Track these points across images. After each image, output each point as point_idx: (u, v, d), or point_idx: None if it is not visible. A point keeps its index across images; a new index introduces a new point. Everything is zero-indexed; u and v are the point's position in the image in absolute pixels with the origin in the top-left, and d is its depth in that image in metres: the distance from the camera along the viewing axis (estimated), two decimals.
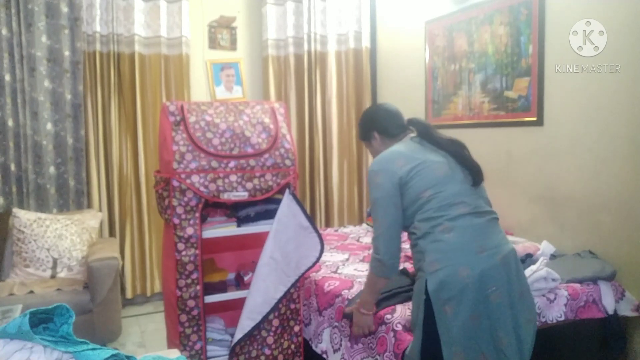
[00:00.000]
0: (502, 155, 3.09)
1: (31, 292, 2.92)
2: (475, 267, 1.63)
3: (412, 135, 1.91)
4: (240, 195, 2.30)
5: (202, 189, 2.23)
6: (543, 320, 2.18)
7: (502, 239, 1.76)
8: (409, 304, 2.09)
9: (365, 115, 2.05)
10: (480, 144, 3.03)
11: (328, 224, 4.29)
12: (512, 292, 1.70)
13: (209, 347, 2.35)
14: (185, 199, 2.22)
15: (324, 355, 2.36)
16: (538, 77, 2.82)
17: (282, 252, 2.33)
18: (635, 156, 2.38)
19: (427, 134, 1.85)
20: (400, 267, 2.64)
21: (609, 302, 2.31)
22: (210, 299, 2.36)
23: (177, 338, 2.28)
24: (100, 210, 3.69)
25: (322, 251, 2.39)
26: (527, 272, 2.18)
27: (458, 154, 1.79)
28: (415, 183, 1.72)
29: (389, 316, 2.02)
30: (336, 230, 3.72)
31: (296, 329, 2.47)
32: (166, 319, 2.51)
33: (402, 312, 2.03)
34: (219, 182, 2.26)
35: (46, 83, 3.53)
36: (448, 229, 1.67)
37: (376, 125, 1.97)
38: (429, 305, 1.65)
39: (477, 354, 1.65)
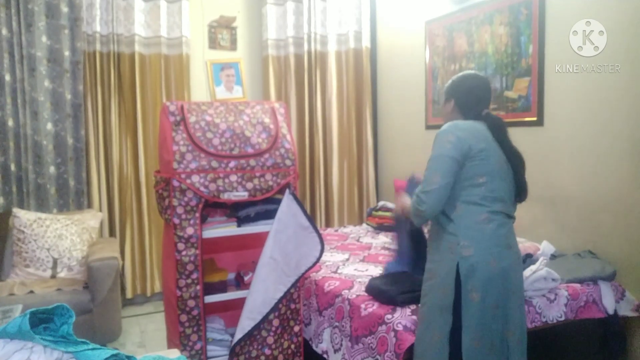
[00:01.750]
0: None
1: (31, 292, 2.92)
2: (502, 260, 1.73)
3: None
4: (240, 195, 2.30)
5: (202, 189, 2.23)
6: (543, 320, 2.18)
7: (516, 241, 1.87)
8: (411, 305, 2.09)
9: (459, 80, 1.94)
10: None
11: (328, 224, 4.29)
12: (522, 289, 1.84)
13: (209, 347, 2.35)
14: (186, 199, 2.22)
15: (325, 355, 2.36)
16: (538, 77, 2.82)
17: (282, 252, 2.32)
18: (635, 156, 2.38)
19: (498, 133, 1.82)
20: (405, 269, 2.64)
21: (609, 302, 2.31)
22: (210, 299, 2.36)
23: (177, 338, 2.28)
24: (100, 210, 3.69)
25: (322, 251, 2.39)
26: (527, 272, 2.18)
27: (517, 168, 1.81)
28: (478, 163, 1.73)
29: (389, 316, 2.02)
30: (336, 230, 3.72)
31: (296, 329, 2.47)
32: (166, 319, 2.51)
33: (402, 312, 2.03)
34: (219, 182, 2.26)
35: (46, 83, 3.53)
36: (487, 220, 1.73)
37: (458, 95, 1.91)
38: (457, 290, 1.71)
39: (488, 342, 1.72)
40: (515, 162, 1.81)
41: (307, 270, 2.41)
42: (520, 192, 1.83)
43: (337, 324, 2.30)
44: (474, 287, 1.69)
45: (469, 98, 1.90)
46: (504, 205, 1.77)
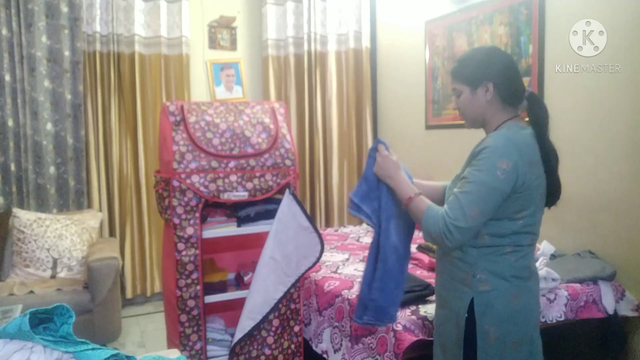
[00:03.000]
0: None
1: (31, 292, 2.92)
2: (525, 293, 1.50)
3: (523, 123, 1.52)
4: (240, 195, 2.30)
5: (202, 189, 2.23)
6: (543, 320, 2.18)
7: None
8: (411, 306, 2.09)
9: (487, 55, 1.51)
10: None
11: (328, 224, 4.29)
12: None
13: (209, 347, 2.35)
14: (185, 199, 2.22)
15: (324, 355, 2.36)
16: (538, 77, 2.82)
17: (282, 252, 2.32)
18: (635, 156, 2.38)
19: (540, 127, 1.50)
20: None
21: (609, 302, 2.31)
22: (210, 299, 2.35)
23: (177, 338, 2.28)
24: (100, 210, 3.69)
25: (322, 251, 2.39)
26: None
27: (552, 170, 1.52)
28: (526, 196, 1.43)
29: None
30: (336, 230, 3.72)
31: (296, 329, 2.47)
32: (166, 319, 2.51)
33: (402, 313, 2.03)
34: (219, 182, 2.26)
35: (46, 83, 3.53)
36: (510, 252, 1.47)
37: (498, 75, 1.47)
38: (470, 326, 1.49)
39: None
40: (552, 165, 1.51)
41: (307, 270, 2.41)
42: (553, 192, 1.52)
43: (337, 324, 2.30)
44: (491, 325, 1.46)
45: (511, 72, 1.49)
46: (533, 237, 1.50)
